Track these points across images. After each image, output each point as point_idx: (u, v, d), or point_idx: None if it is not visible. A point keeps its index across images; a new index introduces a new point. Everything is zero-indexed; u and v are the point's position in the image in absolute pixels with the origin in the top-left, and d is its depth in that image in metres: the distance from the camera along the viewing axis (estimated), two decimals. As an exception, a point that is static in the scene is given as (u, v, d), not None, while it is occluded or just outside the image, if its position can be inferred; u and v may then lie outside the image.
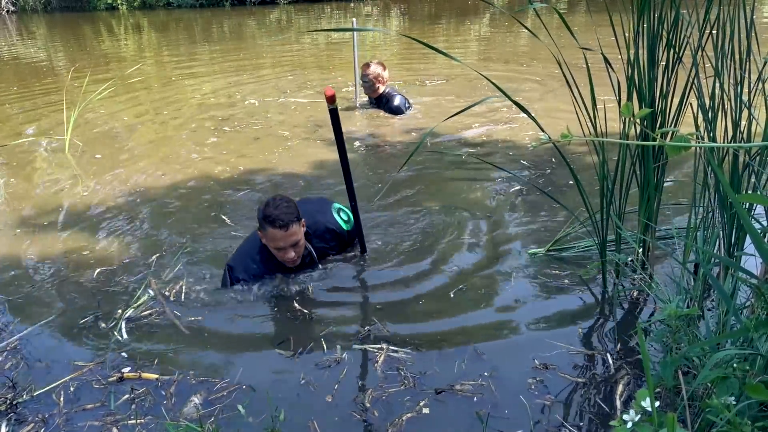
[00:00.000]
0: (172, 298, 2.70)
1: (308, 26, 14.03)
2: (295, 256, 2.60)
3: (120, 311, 2.62)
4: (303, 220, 2.61)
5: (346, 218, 2.87)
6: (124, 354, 2.34)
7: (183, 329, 2.47)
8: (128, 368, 2.24)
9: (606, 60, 2.20)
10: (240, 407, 1.99)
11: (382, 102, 5.53)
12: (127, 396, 2.11)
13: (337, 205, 2.92)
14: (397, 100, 5.46)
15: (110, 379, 2.20)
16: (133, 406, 2.05)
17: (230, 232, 3.34)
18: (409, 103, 5.56)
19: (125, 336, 2.46)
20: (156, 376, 2.19)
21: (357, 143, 4.75)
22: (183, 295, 2.72)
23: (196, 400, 2.07)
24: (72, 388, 2.16)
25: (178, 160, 4.56)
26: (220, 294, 2.72)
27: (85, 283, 2.88)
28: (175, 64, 9.32)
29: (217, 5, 19.01)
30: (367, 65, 5.41)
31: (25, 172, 4.45)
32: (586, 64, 2.20)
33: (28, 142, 5.14)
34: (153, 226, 3.46)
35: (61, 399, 2.11)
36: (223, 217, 3.50)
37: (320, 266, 2.82)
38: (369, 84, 5.43)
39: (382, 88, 5.47)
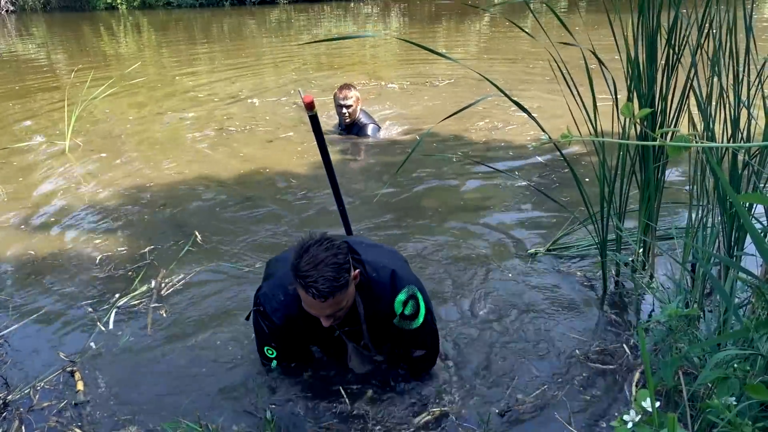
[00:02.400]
0: (167, 297, 2.70)
1: (308, 26, 14.02)
2: (330, 323, 1.81)
3: (114, 298, 2.67)
4: (358, 270, 1.85)
5: (409, 312, 1.93)
6: (92, 344, 2.37)
7: (163, 334, 2.46)
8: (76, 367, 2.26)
9: (595, 56, 2.20)
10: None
11: (353, 130, 4.86)
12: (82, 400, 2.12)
13: (413, 289, 1.95)
14: (370, 129, 4.82)
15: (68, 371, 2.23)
16: (73, 415, 2.05)
17: (233, 233, 3.34)
18: (379, 129, 4.95)
19: (111, 327, 2.49)
20: (82, 389, 2.14)
21: (357, 145, 4.75)
22: (181, 295, 2.73)
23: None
24: (49, 386, 2.18)
25: (181, 161, 4.55)
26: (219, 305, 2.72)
27: (83, 278, 2.89)
28: (175, 63, 9.32)
29: (216, 5, 19.00)
30: (347, 87, 4.66)
31: (26, 171, 4.45)
32: (585, 64, 2.20)
33: (28, 142, 5.14)
34: (155, 226, 3.46)
35: (36, 398, 2.13)
36: (197, 233, 3.35)
37: (366, 341, 2.04)
38: (351, 109, 4.67)
39: (358, 112, 4.82)
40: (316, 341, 2.12)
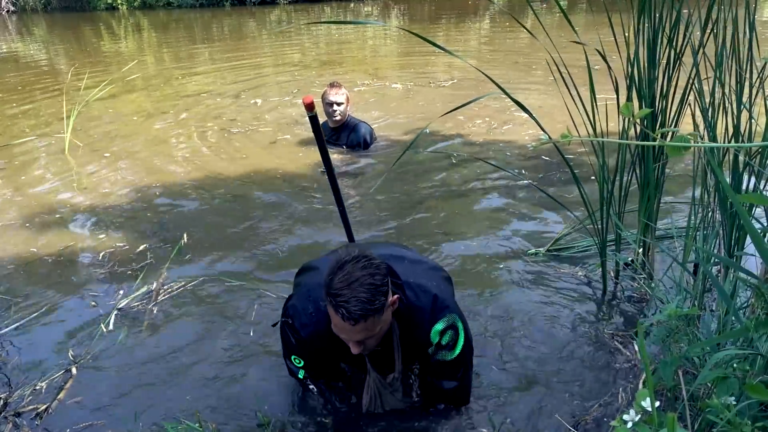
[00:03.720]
0: (167, 298, 2.70)
1: (309, 27, 14.03)
2: (360, 351, 1.68)
3: (116, 298, 2.68)
4: (397, 296, 1.71)
5: (446, 342, 1.79)
6: (94, 344, 2.37)
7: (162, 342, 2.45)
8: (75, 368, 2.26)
9: (601, 55, 2.20)
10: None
11: (343, 132, 4.50)
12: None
13: (453, 318, 1.80)
14: (363, 129, 4.47)
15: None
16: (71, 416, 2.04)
17: (234, 235, 3.34)
18: (374, 135, 4.64)
19: (111, 327, 2.49)
20: (62, 396, 2.12)
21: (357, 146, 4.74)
22: (181, 296, 2.73)
23: None
24: (49, 386, 2.19)
25: (182, 161, 4.54)
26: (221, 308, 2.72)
27: (85, 278, 2.90)
28: (176, 64, 9.32)
29: (217, 5, 19.02)
30: (337, 85, 4.32)
31: (25, 171, 4.45)
32: (588, 63, 2.20)
33: (28, 142, 5.14)
34: (156, 227, 3.45)
35: (28, 399, 2.12)
36: (191, 236, 3.35)
37: (397, 375, 1.91)
38: (342, 107, 4.34)
39: (347, 114, 4.50)
40: (345, 360, 1.97)
